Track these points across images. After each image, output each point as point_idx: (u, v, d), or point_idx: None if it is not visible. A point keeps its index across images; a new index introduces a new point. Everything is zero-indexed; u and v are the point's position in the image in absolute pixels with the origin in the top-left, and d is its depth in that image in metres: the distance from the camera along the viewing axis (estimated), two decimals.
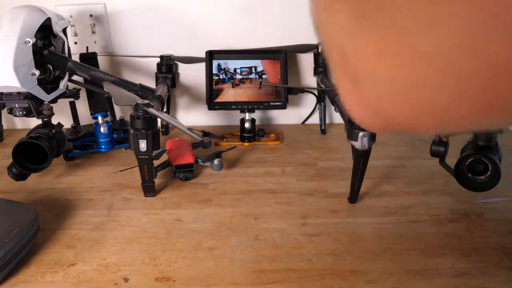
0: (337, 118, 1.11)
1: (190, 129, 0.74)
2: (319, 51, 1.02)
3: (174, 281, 0.56)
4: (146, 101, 0.72)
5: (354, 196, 0.73)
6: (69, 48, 0.91)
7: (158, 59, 1.02)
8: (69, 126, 0.95)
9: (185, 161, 0.82)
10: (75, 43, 1.03)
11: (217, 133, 1.00)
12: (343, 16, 0.21)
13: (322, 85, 1.00)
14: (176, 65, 1.06)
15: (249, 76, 1.00)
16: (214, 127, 1.09)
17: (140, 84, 0.91)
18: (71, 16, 1.00)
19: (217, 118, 1.11)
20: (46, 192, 0.79)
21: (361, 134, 0.65)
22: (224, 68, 1.00)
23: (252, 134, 0.99)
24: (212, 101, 1.00)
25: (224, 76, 1.00)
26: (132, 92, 0.88)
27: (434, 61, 0.18)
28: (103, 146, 0.93)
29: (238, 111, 1.00)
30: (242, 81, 1.00)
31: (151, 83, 0.98)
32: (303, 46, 1.04)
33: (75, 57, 0.96)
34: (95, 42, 1.04)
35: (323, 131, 1.05)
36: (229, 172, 0.86)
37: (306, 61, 1.07)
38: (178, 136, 1.02)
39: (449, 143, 0.74)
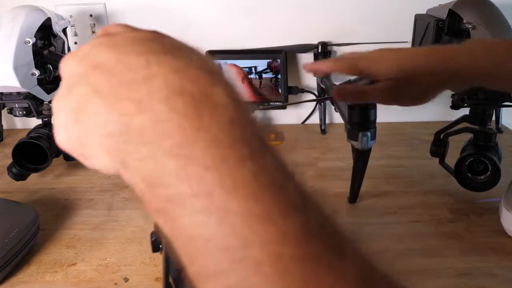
0: (337, 118, 1.11)
1: None
2: (319, 51, 1.02)
3: None
4: None
5: (354, 196, 0.73)
6: (69, 48, 0.91)
7: None
8: None
9: None
10: (75, 43, 1.03)
11: None
12: None
13: (322, 85, 1.00)
14: None
15: (249, 76, 1.00)
16: None
17: None
18: (71, 16, 1.00)
19: None
20: (46, 192, 0.79)
21: (361, 134, 0.65)
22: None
23: None
24: None
25: None
26: None
27: None
28: None
29: None
30: (242, 81, 1.00)
31: None
32: (303, 46, 1.04)
33: None
34: None
35: (323, 131, 1.05)
36: None
37: (306, 61, 1.07)
38: None
39: (449, 143, 0.74)
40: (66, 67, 0.25)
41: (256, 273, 0.18)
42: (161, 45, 0.23)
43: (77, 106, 0.23)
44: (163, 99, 0.20)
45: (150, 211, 0.21)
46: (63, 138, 0.25)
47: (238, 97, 0.22)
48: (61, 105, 0.24)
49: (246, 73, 1.00)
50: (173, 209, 0.19)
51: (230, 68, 1.00)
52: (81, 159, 0.25)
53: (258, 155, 0.20)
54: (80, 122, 0.23)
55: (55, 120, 0.25)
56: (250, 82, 1.00)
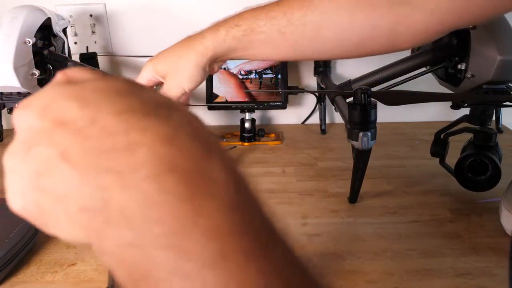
0: (337, 118, 1.11)
1: None
2: None
3: None
4: None
5: (354, 196, 0.73)
6: (69, 48, 0.91)
7: None
8: None
9: None
10: (75, 43, 1.03)
11: (217, 133, 1.00)
12: None
13: (322, 85, 1.00)
14: None
15: (249, 76, 1.00)
16: (214, 127, 1.09)
17: None
18: (71, 16, 1.00)
19: (217, 118, 1.11)
20: None
21: (361, 134, 0.65)
22: (224, 68, 1.00)
23: (252, 134, 0.99)
24: (212, 101, 1.00)
25: None
26: None
27: None
28: None
29: (238, 111, 1.00)
30: (242, 81, 1.00)
31: None
32: None
33: (75, 57, 0.96)
34: (95, 42, 1.04)
35: (323, 131, 1.05)
36: None
37: (306, 61, 1.07)
38: None
39: (449, 143, 0.74)
40: (21, 119, 0.20)
41: None
42: (141, 101, 0.19)
43: (39, 170, 0.19)
44: (151, 176, 0.17)
45: None
46: (19, 205, 0.20)
47: (238, 171, 0.19)
48: (17, 166, 0.20)
49: (239, 78, 1.00)
50: None
51: (223, 74, 1.00)
52: (42, 227, 0.20)
53: (266, 249, 0.17)
54: (43, 190, 0.19)
55: (7, 183, 0.20)
56: (245, 86, 1.00)
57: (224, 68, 1.00)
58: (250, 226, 0.17)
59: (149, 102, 0.19)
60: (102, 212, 0.17)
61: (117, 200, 0.17)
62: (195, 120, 0.20)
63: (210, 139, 0.19)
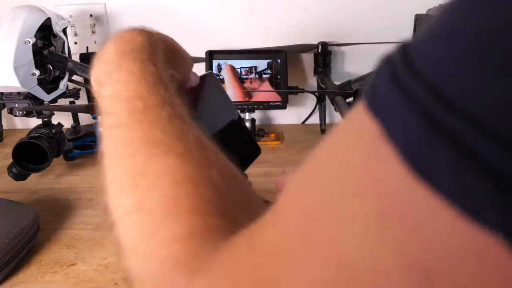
0: (337, 118, 1.11)
1: None
2: (319, 51, 1.02)
3: None
4: None
5: None
6: (69, 48, 0.91)
7: None
8: (69, 126, 0.95)
9: None
10: (75, 43, 1.03)
11: None
12: None
13: (322, 85, 1.00)
14: None
15: (249, 76, 1.00)
16: None
17: None
18: (71, 16, 1.00)
19: None
20: (46, 192, 0.79)
21: None
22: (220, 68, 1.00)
23: (252, 134, 0.99)
24: None
25: (224, 76, 1.00)
26: None
27: None
28: None
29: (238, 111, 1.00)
30: (242, 81, 1.00)
31: None
32: (303, 46, 1.04)
33: (75, 57, 0.96)
34: (95, 42, 1.04)
35: (323, 131, 1.05)
36: None
37: (306, 61, 1.07)
38: None
39: None
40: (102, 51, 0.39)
41: (130, 113, 0.30)
42: (143, 32, 0.37)
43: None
44: (114, 41, 0.35)
45: (96, 97, 0.35)
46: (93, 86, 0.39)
47: (156, 43, 0.36)
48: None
49: (240, 74, 1.00)
50: (101, 90, 0.34)
51: (227, 69, 1.00)
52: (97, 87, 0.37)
53: (148, 64, 0.33)
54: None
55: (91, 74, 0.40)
56: (242, 83, 1.00)
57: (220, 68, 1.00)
58: (143, 64, 0.33)
59: (139, 29, 0.37)
60: (102, 69, 0.36)
61: (103, 57, 0.36)
62: (150, 32, 0.37)
63: (148, 34, 0.36)
